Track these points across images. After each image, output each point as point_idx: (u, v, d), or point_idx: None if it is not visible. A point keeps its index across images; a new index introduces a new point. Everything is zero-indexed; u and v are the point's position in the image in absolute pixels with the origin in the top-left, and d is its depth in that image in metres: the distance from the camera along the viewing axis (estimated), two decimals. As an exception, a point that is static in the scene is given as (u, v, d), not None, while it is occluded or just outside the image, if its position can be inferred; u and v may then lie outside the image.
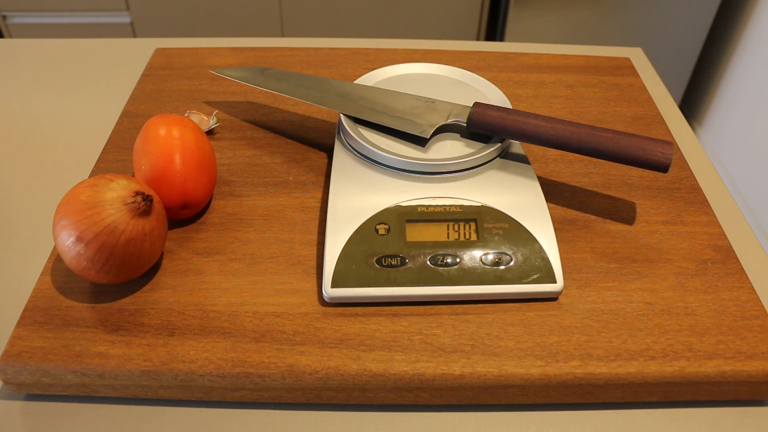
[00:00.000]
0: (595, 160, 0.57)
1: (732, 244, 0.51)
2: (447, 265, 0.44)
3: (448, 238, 0.45)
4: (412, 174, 0.48)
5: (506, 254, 0.44)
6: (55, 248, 0.47)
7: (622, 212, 0.51)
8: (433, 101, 0.52)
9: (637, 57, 0.77)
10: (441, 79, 0.57)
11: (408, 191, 0.47)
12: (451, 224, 0.45)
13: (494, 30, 1.85)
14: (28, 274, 0.49)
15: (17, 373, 0.40)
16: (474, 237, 0.45)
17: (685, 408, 0.42)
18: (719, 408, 0.42)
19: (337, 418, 0.41)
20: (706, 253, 0.48)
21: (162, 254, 0.47)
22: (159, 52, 0.70)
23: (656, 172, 0.56)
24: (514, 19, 1.69)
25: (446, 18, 1.76)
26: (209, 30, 1.76)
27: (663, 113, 0.67)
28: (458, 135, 0.51)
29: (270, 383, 0.40)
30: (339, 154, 0.50)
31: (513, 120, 0.48)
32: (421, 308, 0.44)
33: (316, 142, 0.58)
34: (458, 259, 0.44)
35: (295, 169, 0.55)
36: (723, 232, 0.50)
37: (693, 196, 0.53)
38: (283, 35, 1.79)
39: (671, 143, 0.46)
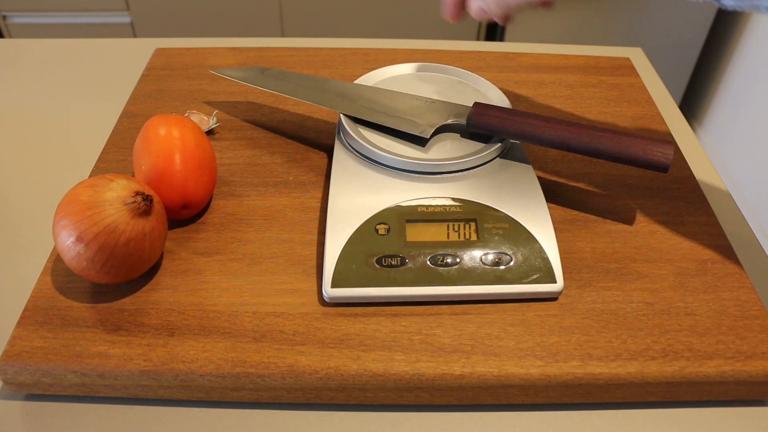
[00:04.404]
0: (595, 160, 0.57)
1: (732, 244, 0.51)
2: (447, 265, 0.44)
3: (448, 238, 0.45)
4: (412, 174, 0.48)
5: (506, 254, 0.44)
6: (55, 248, 0.47)
7: (622, 212, 0.51)
8: (433, 101, 0.52)
9: (637, 57, 0.77)
10: (441, 79, 0.57)
11: (408, 191, 0.47)
12: (451, 224, 0.45)
13: (494, 30, 1.85)
14: (28, 274, 0.49)
15: (17, 373, 0.40)
16: (474, 237, 0.45)
17: (685, 408, 0.42)
18: (719, 408, 0.42)
19: (337, 418, 0.41)
20: (706, 253, 0.48)
21: (162, 254, 0.47)
22: (159, 52, 0.70)
23: (656, 172, 0.56)
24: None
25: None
26: (209, 30, 1.76)
27: (663, 113, 0.67)
28: (458, 135, 0.51)
29: (270, 383, 0.40)
30: (339, 154, 0.50)
31: (513, 120, 0.48)
32: (421, 308, 0.44)
33: (316, 142, 0.58)
34: (458, 259, 0.44)
35: (295, 169, 0.55)
36: (723, 232, 0.50)
37: (693, 196, 0.53)
38: (283, 35, 1.79)
39: (671, 143, 0.46)
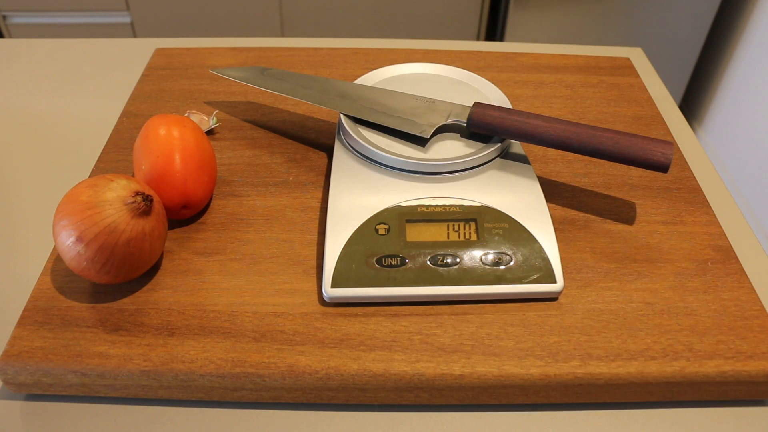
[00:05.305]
0: (595, 160, 0.57)
1: (732, 244, 0.51)
2: (447, 265, 0.44)
3: (448, 238, 0.45)
4: (412, 174, 0.48)
5: (506, 254, 0.44)
6: (55, 248, 0.47)
7: (622, 212, 0.51)
8: (433, 101, 0.52)
9: (637, 57, 0.77)
10: (441, 79, 0.57)
11: (408, 191, 0.47)
12: (451, 224, 0.45)
13: (494, 30, 1.85)
14: (28, 274, 0.49)
15: (17, 373, 0.40)
16: (474, 237, 0.45)
17: (685, 408, 0.42)
18: (719, 408, 0.42)
19: (337, 418, 0.41)
20: (706, 253, 0.48)
21: (162, 254, 0.47)
22: (159, 52, 0.70)
23: (656, 172, 0.56)
24: (514, 19, 1.69)
25: (446, 18, 1.76)
26: (209, 30, 1.76)
27: (663, 113, 0.67)
28: (458, 135, 0.51)
29: (270, 383, 0.40)
30: (339, 154, 0.50)
31: (513, 120, 0.48)
32: (421, 308, 0.44)
33: (316, 142, 0.58)
34: (458, 259, 0.44)
35: (295, 169, 0.55)
36: (723, 232, 0.50)
37: (693, 196, 0.53)
38: (283, 35, 1.79)
39: (671, 143, 0.46)
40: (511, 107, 0.51)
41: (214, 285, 0.45)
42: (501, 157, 0.50)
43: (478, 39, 1.82)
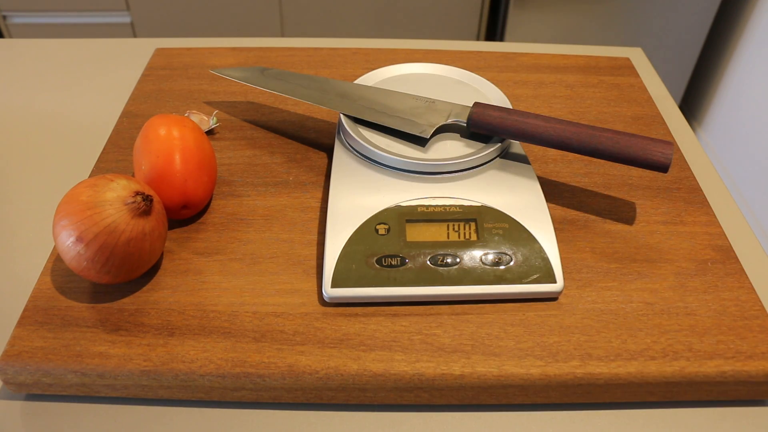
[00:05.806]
0: (595, 160, 0.57)
1: (732, 244, 0.51)
2: (447, 265, 0.44)
3: (448, 238, 0.45)
4: (412, 174, 0.48)
5: (506, 254, 0.44)
6: (55, 248, 0.47)
7: (622, 212, 0.51)
8: (433, 101, 0.52)
9: (637, 57, 0.77)
10: (441, 79, 0.57)
11: (408, 191, 0.47)
12: (451, 224, 0.45)
13: (494, 30, 1.85)
14: (28, 274, 0.49)
15: (17, 373, 0.40)
16: (474, 237, 0.45)
17: (685, 408, 0.42)
18: (719, 408, 0.42)
19: (337, 418, 0.41)
20: (706, 253, 0.48)
21: (162, 254, 0.47)
22: (159, 52, 0.70)
23: (656, 172, 0.56)
24: (514, 19, 1.69)
25: (446, 18, 1.76)
26: (209, 30, 1.76)
27: (663, 113, 0.67)
28: (458, 135, 0.51)
29: (270, 383, 0.40)
30: (339, 154, 0.50)
31: (513, 120, 0.48)
32: (421, 308, 0.44)
33: (316, 142, 0.58)
34: (458, 259, 0.44)
35: (295, 169, 0.55)
36: (723, 232, 0.50)
37: (693, 196, 0.53)
38: (283, 35, 1.79)
39: (671, 143, 0.46)
40: (511, 107, 0.51)
41: (214, 285, 0.45)
42: (501, 157, 0.50)
43: (478, 39, 1.82)
